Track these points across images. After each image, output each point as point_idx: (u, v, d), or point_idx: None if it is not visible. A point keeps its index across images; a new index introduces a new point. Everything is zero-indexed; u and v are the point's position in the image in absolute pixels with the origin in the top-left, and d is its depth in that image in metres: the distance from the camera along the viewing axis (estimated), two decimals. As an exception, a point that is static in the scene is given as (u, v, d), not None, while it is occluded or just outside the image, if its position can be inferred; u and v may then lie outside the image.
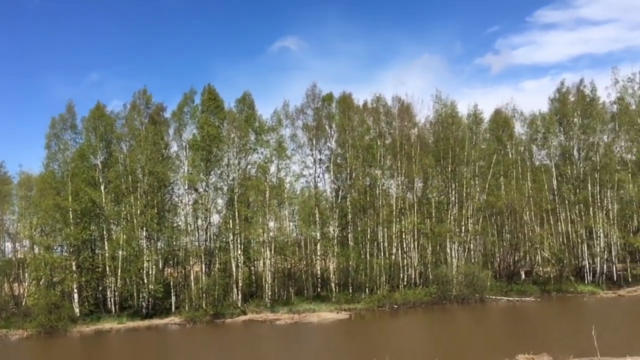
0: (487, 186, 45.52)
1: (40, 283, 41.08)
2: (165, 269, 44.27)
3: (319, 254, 44.57)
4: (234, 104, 44.74)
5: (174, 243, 43.68)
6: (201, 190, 43.26)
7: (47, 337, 34.85)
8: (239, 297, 40.18)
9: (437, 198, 45.91)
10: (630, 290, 41.30)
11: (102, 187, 41.26)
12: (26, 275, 44.72)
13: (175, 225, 43.79)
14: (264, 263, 42.79)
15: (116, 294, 40.66)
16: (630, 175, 45.45)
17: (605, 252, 44.98)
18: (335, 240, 43.24)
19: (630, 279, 43.28)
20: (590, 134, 46.35)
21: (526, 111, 51.14)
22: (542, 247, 45.57)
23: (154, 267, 40.45)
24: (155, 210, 41.33)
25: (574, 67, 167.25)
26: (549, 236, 45.22)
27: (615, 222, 45.32)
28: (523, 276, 45.75)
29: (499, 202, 44.47)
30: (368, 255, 42.08)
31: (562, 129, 48.07)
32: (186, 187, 42.99)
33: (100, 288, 42.19)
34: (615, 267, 44.76)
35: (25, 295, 43.18)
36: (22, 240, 46.90)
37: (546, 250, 45.22)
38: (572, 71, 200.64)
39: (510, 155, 48.32)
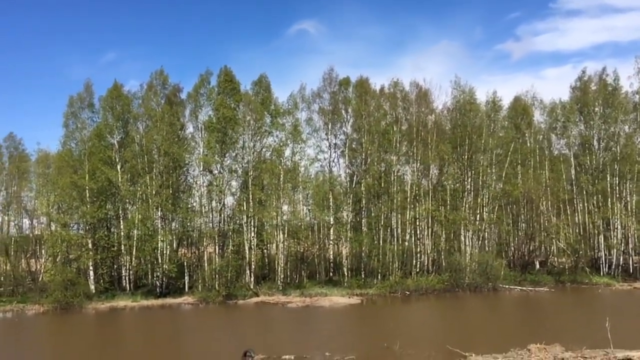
0: (503, 175, 45.03)
1: (57, 260, 41.75)
2: (179, 250, 44.72)
3: (332, 238, 44.60)
4: (250, 86, 44.69)
5: (188, 224, 43.97)
6: (216, 172, 43.41)
7: (62, 313, 35.46)
8: (252, 279, 40.46)
9: (452, 185, 45.58)
10: (646, 282, 40.82)
11: (119, 167, 41.58)
12: (43, 251, 45.58)
13: (189, 206, 44.04)
14: (276, 246, 42.94)
15: (131, 272, 41.18)
16: (650, 166, 44.58)
17: (622, 244, 44.43)
18: (349, 225, 43.22)
19: (646, 272, 42.67)
20: (611, 124, 45.51)
21: (546, 99, 50.29)
22: (557, 238, 45.11)
23: (168, 247, 40.84)
24: (170, 191, 41.65)
25: (597, 55, 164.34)
26: (565, 226, 44.72)
27: (634, 213, 44.63)
28: (537, 266, 45.37)
29: (516, 191, 44.03)
30: (381, 241, 42.02)
31: (582, 118, 47.20)
32: (201, 168, 43.19)
33: (115, 266, 42.78)
34: (632, 259, 44.22)
35: (42, 271, 44.04)
36: (39, 217, 47.75)
37: (562, 241, 44.76)
38: (595, 59, 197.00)
39: (528, 144, 47.65)
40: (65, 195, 40.92)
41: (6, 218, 48.85)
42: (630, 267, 43.57)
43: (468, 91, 45.58)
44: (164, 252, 40.23)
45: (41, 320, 34.55)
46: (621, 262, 43.83)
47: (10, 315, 36.03)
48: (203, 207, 43.34)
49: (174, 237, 42.86)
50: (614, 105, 45.18)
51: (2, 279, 42.84)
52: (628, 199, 44.70)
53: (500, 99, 47.57)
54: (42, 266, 44.79)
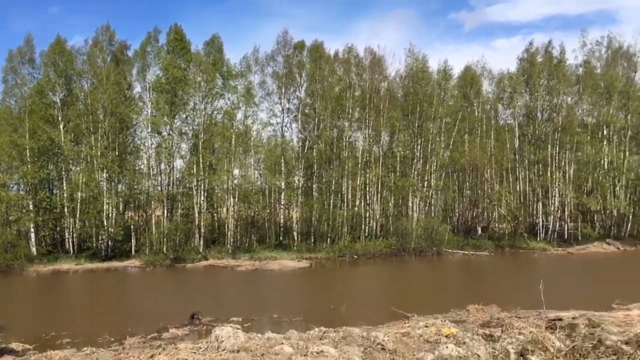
0: (451, 142, 46.15)
1: (-4, 221, 40.12)
2: (126, 212, 43.81)
3: (282, 203, 44.77)
4: (202, 46, 43.53)
5: (136, 186, 43.02)
6: (165, 134, 42.37)
7: (2, 275, 34.30)
8: (201, 242, 40.26)
9: (402, 152, 46.48)
10: (579, 248, 43.31)
11: (61, 126, 39.88)
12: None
13: (137, 168, 43.06)
14: (227, 210, 42.73)
15: (74, 235, 40.05)
16: (588, 137, 46.73)
17: (559, 211, 46.71)
18: (300, 190, 43.46)
19: (580, 238, 45.10)
20: (555, 96, 47.16)
21: (496, 70, 51.48)
22: (499, 204, 46.89)
23: (114, 209, 39.91)
24: (117, 153, 40.41)
25: (546, 27, 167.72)
26: (507, 194, 46.46)
27: (571, 182, 46.93)
28: (480, 231, 47.16)
29: (462, 159, 45.27)
30: (331, 206, 42.55)
31: (528, 89, 48.73)
32: (149, 130, 42.00)
33: (58, 229, 41.44)
34: (567, 225, 46.59)
35: (-20, 232, 42.18)
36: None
37: (503, 208, 46.58)
38: (544, 31, 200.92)
39: (476, 113, 48.84)
40: (4, 154, 38.97)
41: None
42: (565, 233, 45.95)
43: (421, 59, 46.06)
44: (110, 214, 39.31)
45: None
46: (557, 228, 46.18)
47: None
48: (151, 170, 42.45)
49: (120, 199, 41.89)
50: (558, 77, 46.76)
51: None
52: (566, 168, 46.84)
53: (451, 68, 48.44)
54: (-20, 228, 42.90)
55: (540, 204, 46.87)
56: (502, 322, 11.94)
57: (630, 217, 46.21)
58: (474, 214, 47.32)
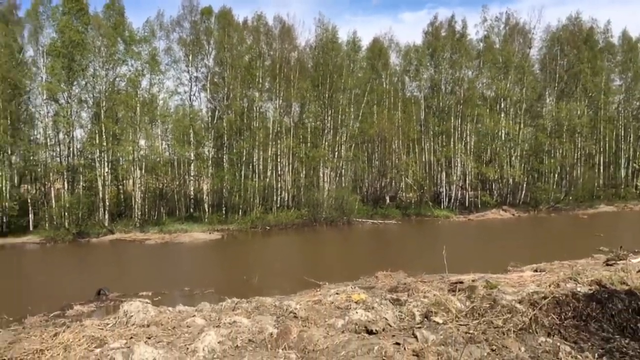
0: (360, 114, 47.05)
1: None
2: (22, 185, 40.95)
3: (192, 174, 43.77)
4: (102, 9, 40.90)
5: (31, 158, 40.20)
6: (62, 101, 39.66)
7: None
8: (106, 216, 38.56)
9: (313, 123, 46.79)
10: (479, 215, 46.06)
11: (-58, 92, 36.26)
12: None
13: (32, 138, 40.18)
14: (133, 182, 41.14)
15: (-37, 211, 37.00)
16: (487, 110, 49.46)
17: (461, 181, 49.38)
18: (210, 162, 42.62)
19: (479, 205, 47.92)
20: (457, 69, 49.32)
21: (403, 42, 52.82)
22: (406, 174, 48.70)
23: (7, 182, 37.14)
24: (9, 121, 37.36)
25: (450, 2, 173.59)
26: (414, 164, 48.27)
27: (472, 153, 49.66)
28: (388, 201, 48.81)
29: (371, 130, 46.33)
30: (243, 177, 42.20)
31: (433, 63, 50.53)
32: (44, 97, 39.12)
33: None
34: (468, 194, 49.44)
35: None
36: None
37: (410, 177, 48.44)
38: (448, 6, 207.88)
39: (384, 85, 50.00)
40: None
41: None
42: (467, 201, 48.74)
43: (331, 30, 46.18)
44: (4, 188, 36.55)
45: None
46: (459, 197, 48.86)
47: None
48: (48, 140, 39.72)
49: (15, 171, 38.99)
50: (460, 51, 48.87)
51: None
52: (468, 139, 49.41)
53: (360, 40, 49.15)
54: None
55: (444, 174, 49.28)
56: (408, 287, 12.46)
57: (524, 185, 49.72)
58: (383, 184, 48.89)
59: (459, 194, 49.05)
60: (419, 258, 24.68)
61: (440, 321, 8.13)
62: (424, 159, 50.11)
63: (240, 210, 41.65)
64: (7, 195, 36.57)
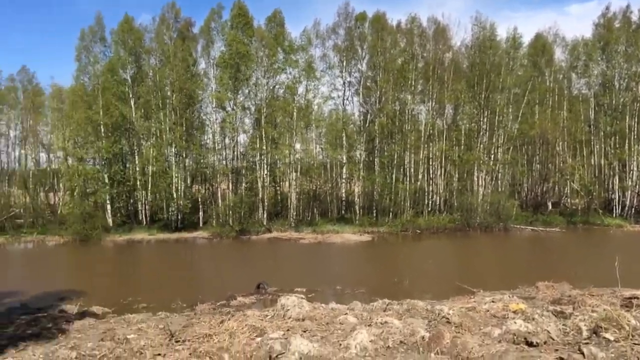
0: (520, 114, 44.30)
1: (75, 193, 42.55)
2: (194, 186, 45.31)
3: (344, 177, 44.80)
4: (264, 21, 43.75)
5: (202, 160, 44.32)
6: (229, 109, 43.19)
7: (82, 244, 36.57)
8: (265, 215, 41.09)
9: (467, 125, 45.09)
10: (660, 225, 40.82)
11: (132, 102, 41.54)
12: (60, 185, 46.47)
13: (202, 143, 44.26)
14: (289, 184, 43.31)
15: (147, 207, 42.02)
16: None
17: (637, 186, 44.13)
18: (362, 164, 43.24)
19: (660, 215, 42.53)
20: (634, 63, 44.18)
21: (569, 37, 48.70)
22: (572, 179, 44.87)
23: (182, 183, 41.38)
24: (184, 128, 41.70)
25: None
26: (581, 167, 44.35)
27: (651, 155, 44.13)
28: (550, 207, 45.36)
29: (532, 131, 43.44)
30: (394, 180, 42.11)
31: (604, 57, 45.84)
32: (214, 105, 42.95)
33: (131, 201, 43.58)
34: (645, 201, 44.05)
35: (60, 204, 45.09)
36: (55, 151, 48.33)
37: (576, 182, 44.52)
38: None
39: (547, 83, 46.55)
40: (80, 130, 41.23)
41: (23, 152, 49.57)
42: (643, 209, 43.46)
43: (489, 27, 44.12)
44: (179, 187, 40.80)
45: (62, 251, 35.68)
46: (634, 204, 43.68)
47: (31, 246, 37.24)
48: (216, 144, 43.51)
49: (188, 173, 43.32)
50: (637, 43, 43.68)
51: (21, 211, 43.91)
52: (646, 140, 44.00)
53: (521, 36, 46.08)
54: (61, 199, 45.85)
55: (616, 178, 44.48)
56: (573, 300, 11.41)
57: None
58: (544, 189, 45.57)
59: (635, 201, 43.82)
60: (586, 270, 22.51)
61: (612, 338, 7.30)
62: (592, 162, 45.74)
63: (391, 213, 41.64)
64: (182, 194, 40.75)
